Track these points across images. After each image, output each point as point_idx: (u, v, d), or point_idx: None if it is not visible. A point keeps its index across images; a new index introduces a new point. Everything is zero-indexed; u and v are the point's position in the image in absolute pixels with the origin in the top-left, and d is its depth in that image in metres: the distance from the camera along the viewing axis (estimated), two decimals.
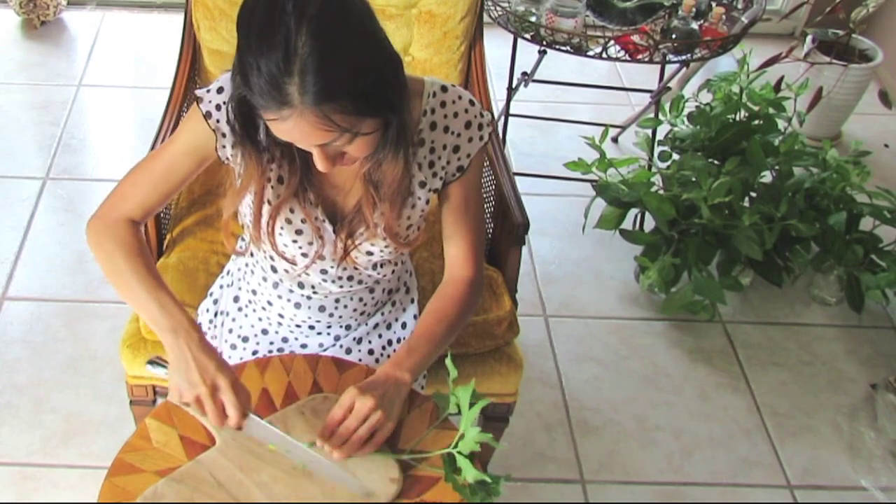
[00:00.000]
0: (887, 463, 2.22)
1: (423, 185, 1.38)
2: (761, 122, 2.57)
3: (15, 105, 3.24)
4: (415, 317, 1.67)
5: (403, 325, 1.65)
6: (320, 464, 1.24)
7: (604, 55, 2.46)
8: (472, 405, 1.21)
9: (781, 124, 2.62)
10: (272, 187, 1.35)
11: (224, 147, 1.34)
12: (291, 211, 1.37)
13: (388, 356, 1.60)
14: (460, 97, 1.36)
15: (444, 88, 1.35)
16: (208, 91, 1.33)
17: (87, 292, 2.50)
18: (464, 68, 2.17)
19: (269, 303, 1.55)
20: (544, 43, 2.52)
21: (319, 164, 1.20)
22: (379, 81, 1.12)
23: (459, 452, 1.21)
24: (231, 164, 1.36)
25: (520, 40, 2.62)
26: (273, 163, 1.32)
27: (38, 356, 2.32)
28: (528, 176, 2.88)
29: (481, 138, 1.38)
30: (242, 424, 1.26)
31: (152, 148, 1.88)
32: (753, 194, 2.52)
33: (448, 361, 1.26)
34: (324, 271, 1.47)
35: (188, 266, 1.84)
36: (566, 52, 2.50)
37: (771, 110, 2.60)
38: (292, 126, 1.11)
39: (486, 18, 2.22)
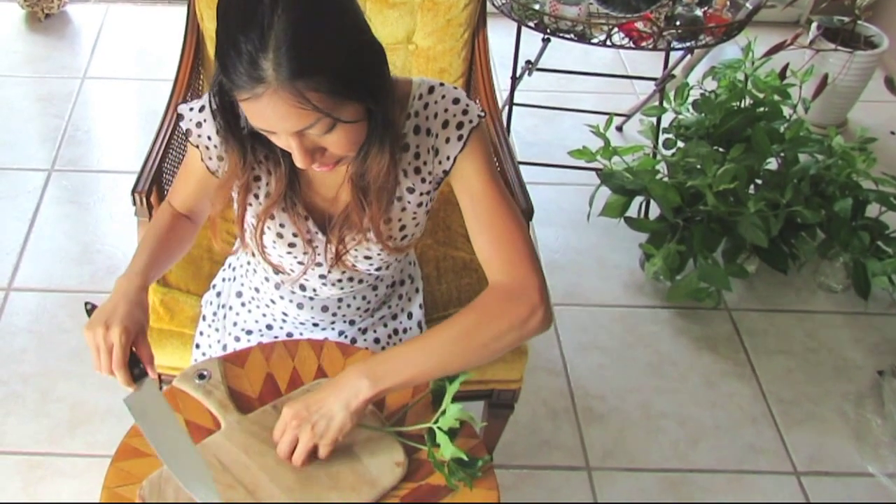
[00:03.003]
0: (894, 450, 2.21)
1: (411, 190, 1.33)
2: (766, 109, 2.56)
3: (20, 97, 3.25)
4: (420, 306, 1.67)
5: (409, 316, 1.64)
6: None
7: (608, 42, 2.45)
8: (452, 381, 1.21)
9: (787, 111, 2.61)
10: (263, 198, 1.34)
11: (210, 159, 1.35)
12: (282, 225, 1.36)
13: (395, 345, 1.60)
14: (444, 96, 1.28)
15: (430, 89, 1.28)
16: (190, 109, 1.33)
17: (93, 283, 2.50)
18: (467, 56, 2.17)
19: (273, 301, 1.55)
20: (548, 31, 2.52)
21: (298, 159, 1.15)
22: (358, 65, 1.09)
23: (439, 428, 1.21)
24: (219, 176, 1.35)
25: (524, 29, 2.62)
26: (261, 173, 1.32)
27: (44, 346, 2.33)
28: (532, 165, 2.87)
29: (460, 138, 1.27)
30: (123, 375, 1.25)
31: (155, 139, 1.89)
32: (759, 181, 2.51)
33: None
34: (322, 276, 1.46)
35: (192, 254, 1.84)
36: (570, 39, 2.50)
37: (776, 97, 2.59)
38: (266, 106, 1.07)
39: (490, 8, 2.21)
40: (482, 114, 1.29)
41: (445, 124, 1.27)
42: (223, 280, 1.68)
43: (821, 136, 2.60)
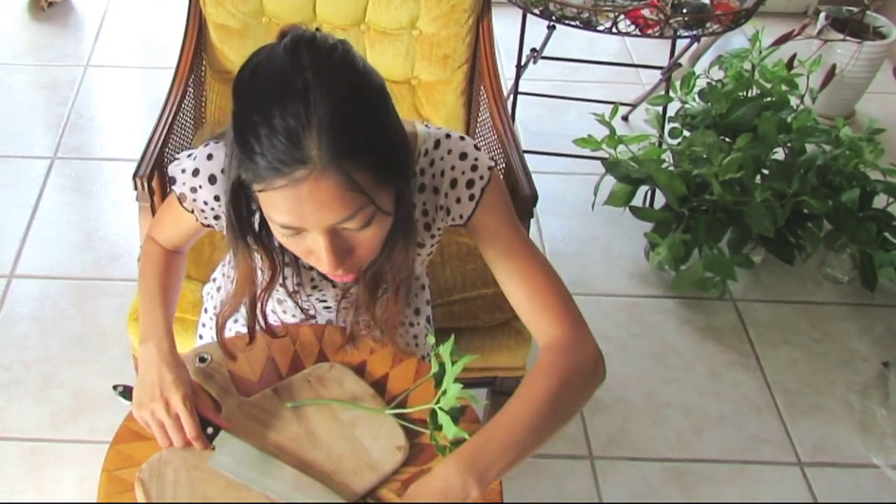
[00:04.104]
0: None
1: (421, 245, 1.29)
2: (773, 99, 2.55)
3: (23, 85, 3.24)
4: (427, 302, 1.65)
5: (417, 311, 1.61)
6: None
7: (613, 30, 2.43)
8: (454, 362, 1.19)
9: (794, 102, 2.59)
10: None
11: (206, 219, 1.28)
12: (284, 277, 1.30)
13: (402, 336, 1.58)
14: (450, 151, 1.20)
15: (437, 144, 1.20)
16: (183, 171, 1.24)
17: (96, 270, 2.50)
18: (472, 42, 2.15)
19: (273, 311, 1.52)
20: (553, 18, 2.50)
21: (325, 262, 1.06)
22: (395, 146, 1.04)
23: (441, 409, 1.19)
24: (217, 229, 1.30)
25: (529, 16, 2.60)
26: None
27: (47, 333, 2.32)
28: (537, 154, 2.85)
29: (471, 197, 1.20)
30: (200, 441, 1.20)
31: (157, 124, 1.88)
32: (765, 172, 2.49)
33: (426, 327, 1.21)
34: (328, 308, 1.44)
35: None
36: (576, 27, 2.48)
37: (783, 88, 2.57)
38: (307, 192, 0.97)
39: None
40: (492, 164, 1.22)
41: (454, 183, 1.20)
42: (223, 275, 1.66)
43: (828, 126, 2.58)
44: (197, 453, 1.21)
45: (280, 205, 1.00)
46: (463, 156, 1.20)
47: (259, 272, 1.24)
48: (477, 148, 1.22)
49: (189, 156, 1.25)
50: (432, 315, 1.69)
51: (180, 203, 1.27)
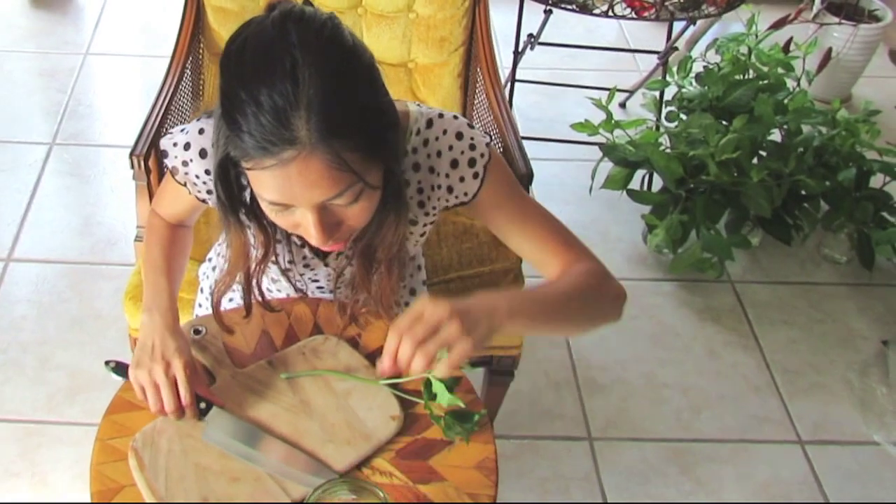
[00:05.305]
0: None
1: (413, 223, 1.29)
2: (770, 81, 2.54)
3: (23, 72, 3.25)
4: (423, 282, 1.65)
5: (412, 292, 1.62)
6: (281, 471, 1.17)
7: (610, 13, 2.43)
8: None
9: (790, 84, 2.59)
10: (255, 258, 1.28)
11: (200, 192, 1.28)
12: (277, 253, 1.30)
13: (397, 315, 1.58)
14: (445, 131, 1.19)
15: (429, 123, 1.20)
16: (174, 144, 1.24)
17: (93, 254, 2.50)
18: (468, 24, 2.15)
19: (269, 290, 1.51)
20: (550, 2, 2.50)
21: (314, 236, 1.06)
22: (385, 123, 1.04)
23: (435, 378, 1.19)
24: (210, 205, 1.30)
25: (526, 2, 2.60)
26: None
27: (44, 315, 2.33)
28: (534, 140, 2.85)
29: (475, 175, 1.20)
30: (192, 409, 1.19)
31: (153, 105, 1.87)
32: (762, 153, 2.49)
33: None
34: (320, 287, 1.43)
35: None
36: (572, 10, 2.47)
37: (780, 70, 2.57)
38: (296, 172, 0.97)
39: None
40: (488, 140, 1.22)
41: (455, 164, 1.20)
42: (218, 255, 1.66)
43: (825, 109, 2.58)
44: (191, 423, 1.20)
45: (268, 183, 1.00)
46: (459, 135, 1.20)
47: (252, 248, 1.24)
48: (471, 126, 1.22)
49: (181, 130, 1.25)
50: (429, 295, 1.69)
51: (172, 176, 1.27)
